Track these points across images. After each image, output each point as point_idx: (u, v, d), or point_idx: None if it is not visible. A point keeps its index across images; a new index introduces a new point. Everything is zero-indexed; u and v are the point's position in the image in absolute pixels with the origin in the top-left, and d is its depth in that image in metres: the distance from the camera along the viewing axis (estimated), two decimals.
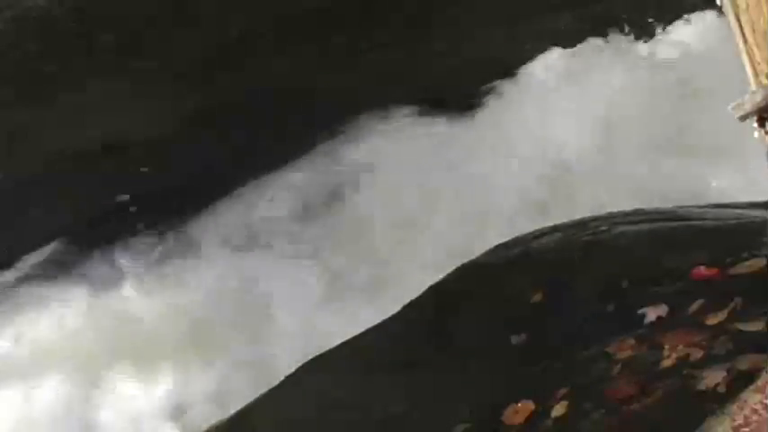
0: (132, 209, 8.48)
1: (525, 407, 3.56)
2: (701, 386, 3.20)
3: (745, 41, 2.36)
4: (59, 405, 7.37)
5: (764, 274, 3.61)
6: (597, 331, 3.79)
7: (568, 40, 9.03)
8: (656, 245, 4.14)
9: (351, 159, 8.63)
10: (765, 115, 2.35)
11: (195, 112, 8.58)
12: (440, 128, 8.75)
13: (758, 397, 2.94)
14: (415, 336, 4.35)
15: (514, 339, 3.96)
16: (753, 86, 2.39)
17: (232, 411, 4.73)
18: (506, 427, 3.52)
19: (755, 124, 2.40)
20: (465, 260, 4.66)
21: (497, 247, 4.61)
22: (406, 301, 4.59)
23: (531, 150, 8.42)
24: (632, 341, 3.60)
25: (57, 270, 8.24)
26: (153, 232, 8.43)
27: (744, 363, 3.21)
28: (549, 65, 8.96)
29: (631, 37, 9.01)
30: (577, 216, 4.82)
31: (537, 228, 4.69)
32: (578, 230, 4.47)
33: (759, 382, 3.01)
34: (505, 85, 8.92)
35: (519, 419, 3.53)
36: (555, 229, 4.57)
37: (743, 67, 2.44)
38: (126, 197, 8.51)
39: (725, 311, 3.51)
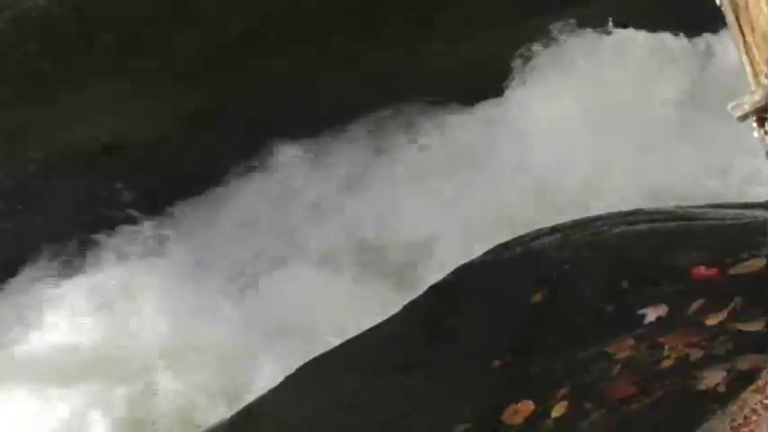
0: (132, 209, 8.48)
1: (525, 407, 3.56)
2: (701, 386, 3.20)
3: (745, 41, 2.36)
4: (71, 411, 7.30)
5: (764, 274, 3.61)
6: (597, 331, 3.79)
7: (569, 38, 9.03)
8: (656, 245, 4.14)
9: (349, 160, 8.63)
10: (765, 115, 2.34)
11: (195, 112, 8.58)
12: (439, 127, 8.75)
13: (758, 397, 2.94)
14: (415, 336, 4.35)
15: (514, 340, 3.96)
16: (752, 86, 2.38)
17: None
18: (506, 427, 3.52)
19: (755, 124, 2.39)
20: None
21: (497, 246, 4.61)
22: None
23: (532, 151, 8.42)
24: (632, 341, 3.60)
25: (56, 271, 8.24)
26: (154, 233, 8.43)
27: (744, 363, 3.22)
28: (551, 61, 8.96)
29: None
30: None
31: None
32: (578, 230, 4.47)
33: (759, 382, 3.01)
34: (506, 84, 8.92)
35: (519, 419, 3.53)
36: (555, 229, 4.57)
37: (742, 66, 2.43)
38: (126, 198, 8.50)
39: (725, 311, 3.51)
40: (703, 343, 3.40)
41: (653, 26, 9.01)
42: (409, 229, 7.97)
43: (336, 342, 4.75)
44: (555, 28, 8.99)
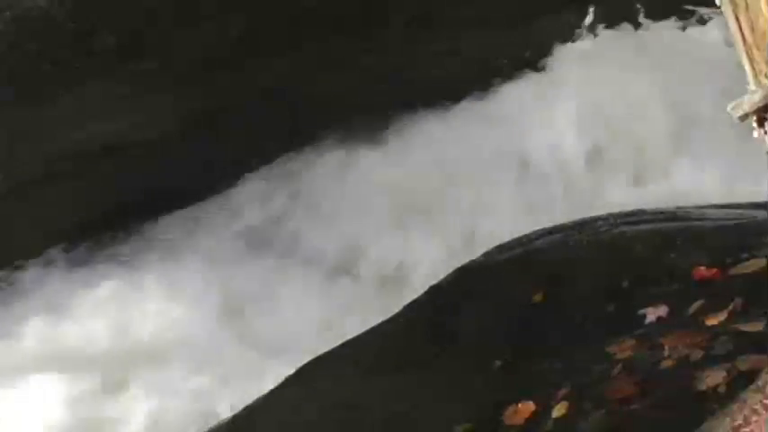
0: (132, 210, 8.48)
1: (525, 407, 3.56)
2: (701, 386, 3.21)
3: (745, 41, 2.36)
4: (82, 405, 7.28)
5: (764, 274, 3.62)
6: (597, 331, 3.79)
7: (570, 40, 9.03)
8: (656, 245, 4.15)
9: (349, 159, 8.63)
10: (765, 115, 2.35)
11: (195, 112, 8.57)
12: (439, 127, 8.75)
13: (758, 397, 2.94)
14: (415, 336, 4.35)
15: (514, 340, 3.96)
16: (752, 86, 2.39)
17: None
18: (506, 428, 3.53)
19: (755, 124, 2.39)
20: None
21: (497, 247, 4.62)
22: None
23: (534, 152, 8.43)
24: (632, 341, 3.61)
25: (56, 274, 8.23)
26: (153, 234, 8.42)
27: (744, 363, 3.22)
28: (551, 63, 8.97)
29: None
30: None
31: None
32: (578, 230, 4.48)
33: (759, 382, 3.01)
34: (506, 84, 8.92)
35: (519, 419, 3.53)
36: (555, 229, 4.57)
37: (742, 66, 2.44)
38: (126, 199, 8.50)
39: (725, 312, 3.52)
40: (703, 343, 3.41)
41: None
42: None
43: None
44: (556, 29, 8.99)
